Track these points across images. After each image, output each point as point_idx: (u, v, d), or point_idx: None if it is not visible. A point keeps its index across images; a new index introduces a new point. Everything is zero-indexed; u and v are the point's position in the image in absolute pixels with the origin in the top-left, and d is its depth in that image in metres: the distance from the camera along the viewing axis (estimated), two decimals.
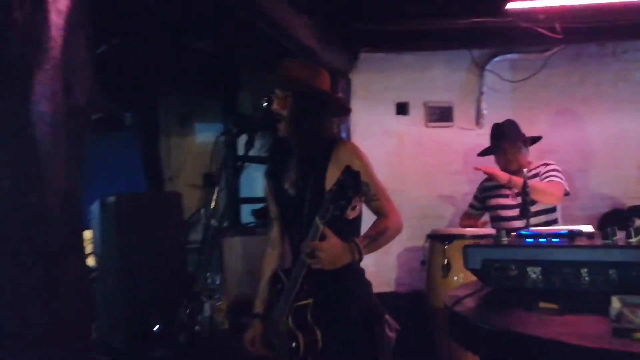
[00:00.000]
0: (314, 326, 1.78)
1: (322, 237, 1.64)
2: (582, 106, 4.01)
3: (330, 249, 1.68)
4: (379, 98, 3.87)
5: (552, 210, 3.04)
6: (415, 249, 3.66)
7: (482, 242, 1.24)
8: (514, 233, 1.40)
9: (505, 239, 1.24)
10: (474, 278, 2.67)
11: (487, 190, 3.30)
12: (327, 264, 1.67)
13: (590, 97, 4.01)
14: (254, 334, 1.99)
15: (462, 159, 4.03)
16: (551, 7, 2.75)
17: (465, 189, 4.03)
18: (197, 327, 2.59)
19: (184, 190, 3.72)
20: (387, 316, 2.05)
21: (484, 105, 3.99)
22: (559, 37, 3.01)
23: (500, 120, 4.04)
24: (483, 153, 3.39)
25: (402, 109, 3.92)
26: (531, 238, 1.23)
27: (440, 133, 3.99)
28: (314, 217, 1.92)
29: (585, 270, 1.05)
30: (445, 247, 2.82)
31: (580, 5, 2.72)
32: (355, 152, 1.94)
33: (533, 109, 4.01)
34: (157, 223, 2.75)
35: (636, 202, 3.82)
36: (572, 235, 1.17)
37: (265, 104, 2.03)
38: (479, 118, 4.01)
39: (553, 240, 1.18)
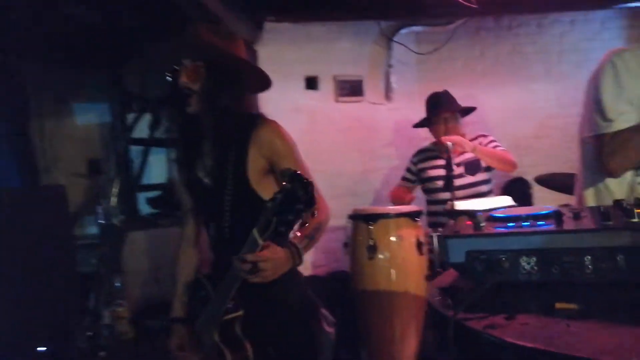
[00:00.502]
0: (243, 340, 1.55)
1: (254, 246, 1.39)
2: (483, 78, 4.10)
3: (272, 261, 1.45)
4: (287, 72, 3.60)
5: (489, 181, 3.08)
6: (331, 229, 3.51)
7: (464, 231, 1.07)
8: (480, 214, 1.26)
9: (483, 223, 1.09)
10: (400, 256, 2.69)
11: (424, 161, 3.23)
12: (269, 277, 1.44)
13: (490, 69, 4.12)
14: (180, 339, 1.75)
15: (373, 134, 3.95)
16: None
17: (379, 164, 3.97)
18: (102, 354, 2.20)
19: (66, 181, 3.21)
20: (323, 310, 1.88)
21: (393, 79, 3.92)
22: (475, 6, 2.97)
23: (409, 93, 4.03)
24: (420, 124, 3.33)
25: (311, 83, 3.70)
26: (513, 222, 1.09)
27: (351, 108, 3.85)
28: (237, 210, 1.67)
29: (589, 258, 0.92)
30: (370, 227, 2.69)
31: None
32: (279, 132, 1.71)
33: (438, 81, 4.02)
34: (38, 222, 2.36)
35: (534, 172, 4.03)
36: (558, 215, 1.04)
37: (170, 77, 1.71)
38: (388, 92, 3.94)
39: (539, 223, 1.05)
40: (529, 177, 3.99)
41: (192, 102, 1.65)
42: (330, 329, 1.89)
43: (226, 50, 1.71)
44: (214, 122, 1.68)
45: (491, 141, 3.10)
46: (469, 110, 3.26)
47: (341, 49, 3.78)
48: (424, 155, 3.27)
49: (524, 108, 4.14)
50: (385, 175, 3.93)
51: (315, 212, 1.44)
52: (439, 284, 1.14)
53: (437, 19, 3.76)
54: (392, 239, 2.68)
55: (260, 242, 1.38)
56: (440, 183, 3.05)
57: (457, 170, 3.01)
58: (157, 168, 3.75)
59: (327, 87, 3.76)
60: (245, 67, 1.77)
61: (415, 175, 3.28)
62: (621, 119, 1.43)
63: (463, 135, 3.04)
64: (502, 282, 0.98)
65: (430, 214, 3.15)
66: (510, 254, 0.98)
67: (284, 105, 3.56)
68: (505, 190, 3.86)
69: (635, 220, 0.93)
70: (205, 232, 1.83)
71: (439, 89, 3.93)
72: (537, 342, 0.72)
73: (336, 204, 3.65)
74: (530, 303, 0.92)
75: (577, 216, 1.06)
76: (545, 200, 3.73)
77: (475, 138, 3.14)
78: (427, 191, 3.23)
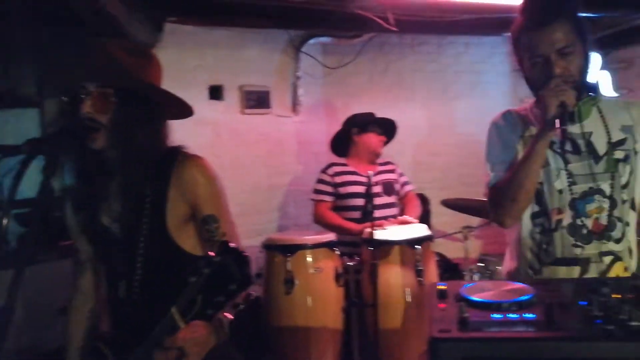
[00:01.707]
0: None
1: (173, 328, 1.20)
2: (387, 94, 4.13)
3: (197, 340, 1.25)
4: (190, 79, 3.27)
5: (394, 204, 3.11)
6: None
7: (455, 334, 0.95)
8: (441, 287, 1.17)
9: (465, 314, 0.99)
10: (319, 289, 2.55)
11: (340, 175, 3.08)
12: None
13: (393, 85, 4.16)
14: None
15: (280, 148, 3.77)
16: None
17: (285, 180, 3.80)
18: None
19: None
20: None
21: (300, 91, 3.77)
22: (393, 28, 2.93)
23: (315, 106, 3.92)
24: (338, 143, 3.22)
25: (216, 93, 3.41)
26: (496, 311, 1.00)
27: (258, 120, 3.62)
28: (151, 264, 1.43)
29: None
30: (288, 259, 2.52)
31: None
32: (204, 171, 1.48)
33: (344, 95, 3.97)
34: None
35: (431, 187, 4.16)
36: (548, 306, 0.97)
37: (68, 105, 1.40)
38: (295, 104, 3.78)
39: (525, 315, 0.98)
40: (428, 194, 4.12)
41: (98, 137, 1.35)
42: None
43: (141, 74, 1.43)
44: (124, 159, 1.39)
45: (401, 175, 3.21)
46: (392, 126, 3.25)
47: (248, 57, 3.54)
48: (339, 168, 3.11)
49: (424, 125, 4.26)
50: (291, 191, 3.77)
51: (250, 283, 1.24)
52: None
53: (345, 31, 3.67)
54: (311, 271, 2.54)
55: (182, 325, 1.17)
56: (355, 202, 2.97)
57: (375, 189, 2.97)
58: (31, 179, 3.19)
59: (232, 97, 3.50)
60: (165, 96, 1.50)
61: (333, 189, 3.07)
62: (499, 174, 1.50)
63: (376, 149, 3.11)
64: None
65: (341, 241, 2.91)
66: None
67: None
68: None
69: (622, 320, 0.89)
70: (106, 287, 1.53)
71: (346, 103, 3.89)
72: None
73: (241, 222, 3.43)
74: None
75: (562, 307, 1.00)
76: (441, 216, 3.87)
77: (385, 164, 3.13)
78: (340, 209, 3.07)
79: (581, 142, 1.48)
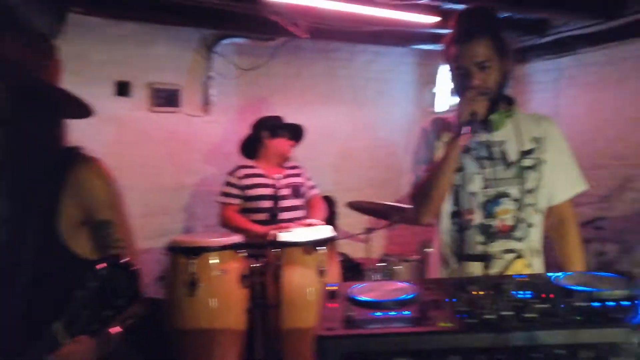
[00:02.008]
0: None
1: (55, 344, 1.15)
2: (299, 97, 4.21)
3: (79, 356, 1.21)
4: (95, 74, 3.14)
5: (302, 207, 3.17)
6: (142, 251, 3.20)
7: (339, 331, 1.03)
8: (332, 288, 1.26)
9: (351, 313, 1.07)
10: (223, 291, 2.56)
11: (249, 177, 3.07)
12: None
13: (306, 89, 4.25)
14: None
15: (189, 147, 3.72)
16: (299, 5, 2.70)
17: (194, 180, 3.76)
18: None
19: None
20: None
21: (212, 91, 3.74)
22: (304, 35, 3.01)
23: (228, 107, 3.90)
24: (247, 145, 3.22)
25: (123, 89, 3.29)
26: (376, 309, 1.10)
27: (166, 119, 3.55)
28: (40, 272, 1.35)
29: (459, 357, 0.98)
30: (191, 261, 2.51)
31: (323, 9, 2.77)
32: (100, 172, 1.43)
33: (258, 97, 4.00)
34: None
35: (339, 189, 4.31)
36: (422, 304, 1.09)
37: None
38: (206, 104, 3.75)
39: (403, 312, 1.08)
40: (335, 196, 4.27)
41: None
42: None
43: (38, 71, 1.38)
44: (15, 158, 1.33)
45: (308, 179, 3.28)
46: (299, 131, 3.28)
47: (158, 54, 3.46)
48: (247, 171, 3.10)
49: (333, 129, 4.39)
50: (200, 192, 3.73)
51: (138, 296, 1.23)
52: None
53: (258, 34, 3.69)
54: (215, 273, 2.55)
55: (66, 341, 1.12)
56: (262, 204, 3.01)
57: (283, 192, 3.03)
58: None
59: (140, 94, 3.40)
60: (62, 95, 1.45)
61: (240, 191, 3.06)
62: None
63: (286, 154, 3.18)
64: None
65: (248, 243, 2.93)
66: (386, 355, 0.98)
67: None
68: None
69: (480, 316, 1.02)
70: None
71: (259, 104, 3.92)
72: None
73: (147, 222, 3.38)
74: None
75: (437, 304, 1.12)
76: (347, 217, 4.03)
77: (293, 167, 3.20)
78: (247, 211, 3.07)
79: (496, 150, 1.63)
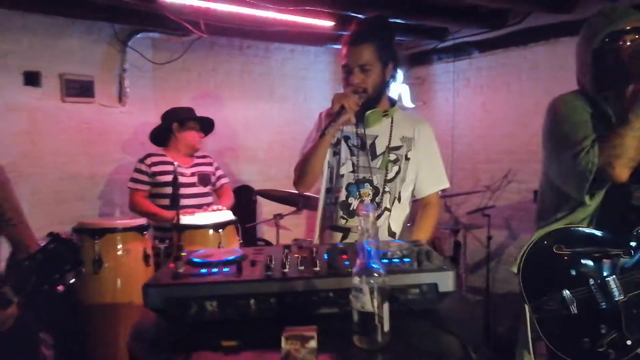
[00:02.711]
0: None
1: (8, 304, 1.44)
2: (216, 92, 4.41)
3: (13, 316, 1.52)
4: (1, 64, 3.22)
5: (209, 194, 3.37)
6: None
7: (162, 280, 1.28)
8: (183, 254, 1.51)
9: (181, 269, 1.33)
10: (126, 269, 2.75)
11: (156, 165, 3.22)
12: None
13: (222, 84, 4.46)
14: None
15: (104, 137, 3.85)
16: (197, 7, 2.91)
17: (109, 168, 3.89)
18: None
19: None
20: (41, 335, 1.88)
21: (126, 83, 3.88)
22: (204, 35, 3.21)
23: (144, 98, 4.05)
24: (158, 135, 3.36)
25: (32, 79, 3.39)
26: (205, 267, 1.36)
27: (81, 109, 3.67)
28: None
29: (252, 301, 1.25)
30: (96, 241, 2.70)
31: (219, 10, 2.99)
32: None
33: (174, 90, 4.17)
34: None
35: (258, 179, 4.56)
36: (239, 262, 1.35)
37: None
38: (122, 95, 3.89)
39: (224, 269, 1.34)
40: (253, 185, 4.52)
41: None
42: (48, 352, 1.91)
43: None
44: None
45: (217, 168, 3.47)
46: (209, 123, 3.45)
47: (69, 46, 3.57)
48: (156, 158, 3.26)
49: (252, 123, 4.62)
50: (115, 180, 3.87)
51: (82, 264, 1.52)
52: (140, 326, 1.34)
53: (168, 30, 3.84)
54: (119, 252, 2.75)
55: (13, 299, 1.41)
56: (169, 190, 3.19)
57: (190, 179, 3.24)
58: None
59: (51, 85, 3.51)
60: None
61: (149, 178, 3.22)
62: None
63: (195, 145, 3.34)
64: (192, 324, 1.23)
65: (156, 226, 3.19)
66: (197, 299, 1.24)
67: None
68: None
69: (286, 270, 1.30)
70: None
71: (175, 96, 4.09)
72: None
73: (63, 209, 3.51)
74: (213, 339, 1.18)
75: (253, 263, 1.39)
76: (265, 205, 4.29)
77: (203, 157, 3.41)
78: (155, 196, 3.24)
79: (368, 142, 1.90)
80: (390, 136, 1.92)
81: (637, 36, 1.75)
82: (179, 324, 1.25)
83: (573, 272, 1.76)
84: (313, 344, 1.03)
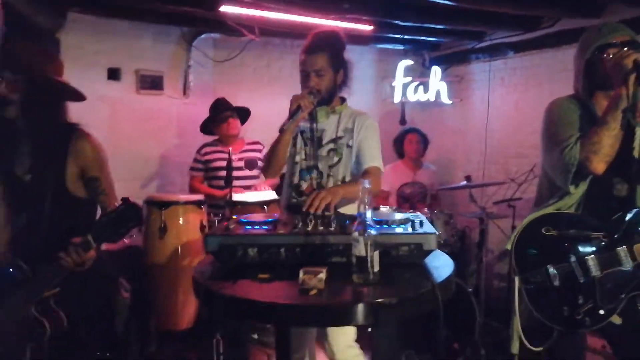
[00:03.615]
0: (59, 311, 1.95)
1: (88, 247, 1.83)
2: (268, 86, 4.89)
3: (92, 258, 1.90)
4: (90, 62, 3.83)
5: (256, 177, 3.84)
6: None
7: (218, 231, 1.74)
8: (234, 217, 1.96)
9: (232, 226, 1.78)
10: (186, 236, 3.28)
11: (209, 154, 3.78)
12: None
13: (274, 79, 4.92)
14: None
15: (171, 124, 4.42)
16: (252, 15, 3.38)
17: (173, 152, 4.46)
18: None
19: None
20: (120, 280, 2.37)
21: (190, 78, 4.42)
22: (257, 38, 3.68)
23: (205, 91, 4.58)
24: (206, 127, 3.86)
25: (113, 74, 3.99)
26: (249, 225, 1.81)
27: (151, 100, 4.25)
28: (56, 205, 2.01)
29: (283, 249, 1.68)
30: (162, 211, 3.24)
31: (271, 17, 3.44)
32: (92, 144, 2.09)
33: (232, 83, 4.67)
34: None
35: None
36: (275, 223, 1.79)
37: None
38: (186, 89, 4.44)
39: (263, 227, 1.79)
40: None
41: (11, 110, 1.95)
42: (126, 295, 2.41)
43: (43, 70, 2.01)
44: (32, 127, 1.99)
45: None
46: (245, 112, 3.92)
47: (144, 46, 4.14)
48: (209, 149, 3.84)
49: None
50: (177, 162, 4.42)
51: (142, 223, 1.94)
52: (202, 264, 1.81)
53: (231, 32, 4.34)
54: (180, 222, 3.28)
55: (94, 244, 1.83)
56: (221, 173, 3.70)
57: (238, 163, 3.73)
58: None
59: (129, 79, 4.10)
60: (60, 85, 2.11)
61: (205, 165, 3.83)
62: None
63: (238, 134, 3.79)
64: (238, 264, 1.69)
65: (211, 201, 3.71)
66: (242, 246, 1.69)
67: (87, 94, 3.73)
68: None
69: (309, 228, 1.72)
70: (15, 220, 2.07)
71: (232, 90, 4.59)
72: (243, 294, 1.44)
73: (133, 185, 4.10)
74: (252, 274, 1.62)
75: (285, 224, 1.82)
76: None
77: (254, 143, 3.90)
78: (209, 179, 3.83)
79: (317, 134, 2.27)
80: (337, 128, 2.26)
81: (619, 49, 2.05)
82: (228, 264, 1.70)
83: (558, 251, 2.07)
84: (322, 276, 1.46)
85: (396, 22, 4.02)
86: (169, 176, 4.43)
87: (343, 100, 2.36)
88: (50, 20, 3.40)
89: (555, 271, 2.07)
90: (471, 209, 4.29)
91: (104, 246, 2.03)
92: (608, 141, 1.98)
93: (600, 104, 2.13)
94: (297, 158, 2.30)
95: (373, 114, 5.33)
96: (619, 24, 2.17)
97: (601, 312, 2.03)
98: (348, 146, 2.26)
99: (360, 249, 1.48)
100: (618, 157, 2.06)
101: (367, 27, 3.78)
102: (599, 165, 2.01)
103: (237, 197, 3.39)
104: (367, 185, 1.50)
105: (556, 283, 2.07)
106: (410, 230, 1.70)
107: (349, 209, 2.09)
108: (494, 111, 4.86)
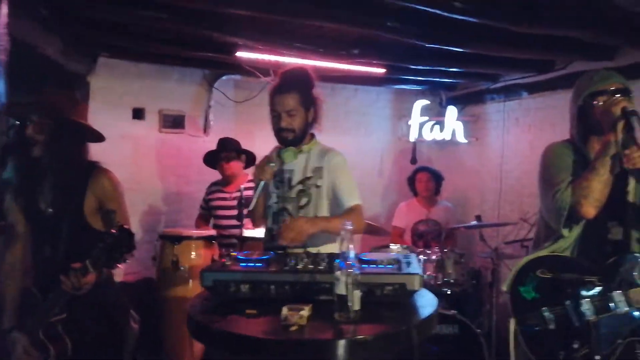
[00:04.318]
0: (64, 337, 2.09)
1: (86, 272, 1.97)
2: None
3: (90, 283, 2.03)
4: (117, 102, 4.08)
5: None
6: (148, 241, 4.06)
7: (213, 266, 1.84)
8: (233, 254, 2.05)
9: (228, 263, 1.88)
10: (198, 270, 3.36)
11: (212, 193, 3.94)
12: (84, 294, 2.03)
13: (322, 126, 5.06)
14: (24, 345, 2.08)
15: (191, 162, 4.60)
16: (268, 60, 3.57)
17: (192, 188, 4.62)
18: None
19: None
20: (131, 311, 2.47)
21: (211, 117, 4.64)
22: (272, 81, 3.85)
23: (225, 129, 4.77)
24: (209, 159, 4.00)
25: (138, 114, 4.23)
26: (244, 262, 1.90)
27: (173, 138, 4.46)
28: (73, 235, 2.17)
29: (273, 286, 1.76)
30: (175, 246, 3.37)
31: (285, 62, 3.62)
32: (110, 179, 2.27)
33: (251, 123, 4.85)
34: None
35: None
36: (269, 260, 1.88)
37: (18, 127, 2.16)
38: (206, 127, 4.65)
39: (257, 264, 1.88)
40: None
41: (36, 149, 2.13)
42: (135, 325, 2.51)
43: (68, 114, 2.21)
44: (56, 165, 2.17)
45: None
46: (251, 156, 3.98)
47: (167, 87, 4.38)
48: (213, 188, 3.97)
49: None
50: (195, 197, 4.57)
51: (134, 248, 2.03)
52: (198, 297, 1.90)
53: (250, 74, 4.55)
54: (192, 256, 3.40)
55: (91, 270, 1.97)
56: (219, 212, 3.83)
57: (230, 203, 3.78)
58: None
59: (152, 118, 4.32)
60: (83, 128, 2.30)
61: (207, 204, 3.98)
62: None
63: (243, 174, 3.88)
64: (230, 299, 1.77)
65: (221, 237, 3.81)
66: (235, 282, 1.78)
67: (112, 132, 3.97)
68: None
69: (299, 266, 1.80)
70: (35, 251, 2.24)
71: (251, 128, 4.76)
72: (228, 328, 1.52)
73: (152, 219, 4.26)
74: (242, 309, 1.70)
75: (278, 261, 1.91)
76: None
77: (250, 181, 3.99)
78: (215, 217, 3.94)
79: (286, 176, 2.25)
80: (305, 169, 2.23)
81: (608, 97, 2.10)
82: (221, 298, 1.79)
83: (552, 294, 2.09)
84: (303, 313, 1.53)
85: (410, 66, 4.15)
86: (188, 212, 4.58)
87: (312, 136, 2.35)
88: (82, 65, 3.67)
89: (550, 314, 2.08)
90: (486, 249, 4.27)
91: (119, 278, 2.15)
92: (598, 186, 2.02)
93: (594, 148, 2.17)
94: (270, 201, 2.29)
95: (389, 152, 5.51)
96: (611, 71, 2.23)
97: (597, 357, 2.01)
98: (317, 186, 2.22)
99: (341, 288, 1.55)
100: (612, 201, 2.09)
101: (380, 70, 3.92)
102: (589, 210, 2.04)
103: (248, 232, 3.49)
104: (349, 227, 1.58)
105: (551, 326, 2.07)
106: (395, 270, 1.76)
107: (331, 248, 2.11)
108: (509, 151, 4.88)
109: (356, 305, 1.55)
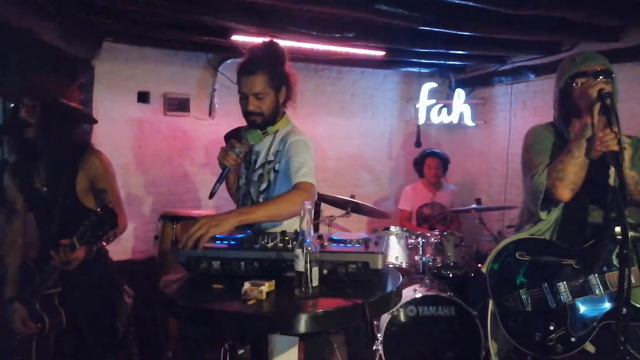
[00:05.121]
0: (59, 310, 2.21)
1: (73, 248, 2.06)
2: (290, 108, 5.06)
3: (78, 259, 2.13)
4: (121, 86, 4.17)
5: None
6: (151, 221, 4.21)
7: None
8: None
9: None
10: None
11: None
12: (73, 269, 2.13)
13: (297, 101, 5.08)
14: (22, 315, 2.19)
15: (197, 144, 4.69)
16: None
17: (197, 170, 4.72)
18: None
19: None
20: (125, 286, 2.58)
21: (216, 100, 4.70)
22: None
23: (230, 112, 4.82)
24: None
25: (143, 97, 4.32)
26: (220, 241, 1.96)
27: (178, 121, 4.55)
28: (66, 213, 2.27)
29: (242, 263, 1.82)
30: (175, 225, 3.47)
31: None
32: (101, 159, 2.35)
33: None
34: None
35: (325, 186, 5.13)
36: (243, 239, 1.94)
37: (12, 110, 2.26)
38: (212, 110, 4.71)
39: (231, 242, 1.93)
40: (323, 192, 5.08)
41: (29, 131, 2.22)
42: (129, 300, 2.61)
43: (59, 96, 2.28)
44: (49, 146, 2.27)
45: None
46: None
47: (172, 71, 4.45)
48: None
49: (324, 136, 5.22)
50: (200, 179, 4.69)
51: (117, 226, 2.10)
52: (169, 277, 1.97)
53: None
54: None
55: (78, 245, 2.06)
56: None
57: None
58: None
59: (157, 102, 4.41)
60: (73, 110, 2.38)
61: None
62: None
63: None
64: (203, 275, 1.84)
65: None
66: (207, 259, 1.84)
67: (118, 115, 4.14)
68: None
69: (269, 244, 1.85)
70: (36, 226, 2.37)
71: None
72: (190, 302, 1.59)
73: (158, 200, 4.37)
74: (210, 284, 1.76)
75: (249, 240, 1.96)
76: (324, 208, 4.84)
77: None
78: None
79: (252, 158, 2.20)
80: (268, 152, 2.14)
81: (588, 79, 2.07)
82: (194, 274, 1.86)
83: (530, 276, 2.09)
84: (264, 288, 1.58)
85: (410, 49, 4.11)
86: (193, 193, 4.69)
87: (283, 114, 2.22)
88: (85, 49, 3.76)
89: (527, 296, 2.09)
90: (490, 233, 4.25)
91: (127, 255, 2.22)
92: (572, 169, 2.00)
93: (575, 131, 2.15)
94: (240, 182, 2.26)
95: (397, 135, 5.48)
96: (595, 53, 2.18)
97: (572, 339, 2.02)
98: (275, 171, 2.13)
99: (300, 265, 1.59)
100: (594, 184, 2.07)
101: (379, 53, 3.90)
102: (564, 192, 2.02)
103: None
104: (308, 206, 1.62)
105: (528, 308, 2.09)
106: (359, 249, 1.79)
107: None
108: (516, 134, 4.81)
109: (315, 282, 1.59)
